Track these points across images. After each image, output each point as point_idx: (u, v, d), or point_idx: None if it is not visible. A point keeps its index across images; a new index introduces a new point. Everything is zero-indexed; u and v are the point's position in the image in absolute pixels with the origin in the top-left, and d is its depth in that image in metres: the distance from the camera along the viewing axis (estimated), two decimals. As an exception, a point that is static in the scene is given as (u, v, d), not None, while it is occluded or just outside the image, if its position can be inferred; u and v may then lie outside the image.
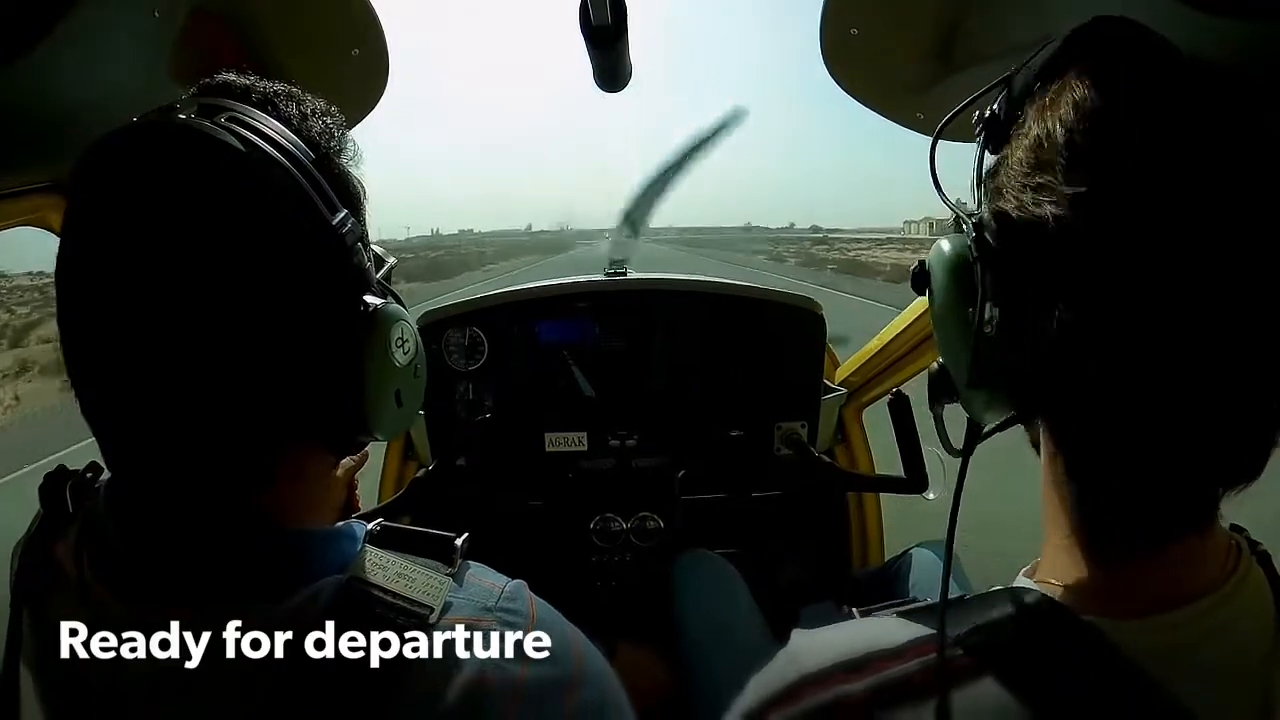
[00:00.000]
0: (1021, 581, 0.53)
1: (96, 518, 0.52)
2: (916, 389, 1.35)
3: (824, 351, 1.59)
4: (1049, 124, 0.46)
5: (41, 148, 0.81)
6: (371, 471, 1.63)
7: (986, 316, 0.47)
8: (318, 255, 0.48)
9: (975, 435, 0.55)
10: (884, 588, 1.31)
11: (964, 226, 0.50)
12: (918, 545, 1.35)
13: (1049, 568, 0.52)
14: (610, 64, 0.79)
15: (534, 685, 0.47)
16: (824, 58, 0.81)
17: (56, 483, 0.56)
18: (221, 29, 0.81)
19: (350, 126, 1.01)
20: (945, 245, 0.52)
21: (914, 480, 1.27)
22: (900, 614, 0.53)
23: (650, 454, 1.61)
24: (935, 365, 0.56)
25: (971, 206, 0.52)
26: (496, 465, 1.60)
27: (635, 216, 1.83)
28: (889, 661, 0.48)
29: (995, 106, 0.52)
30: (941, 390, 0.56)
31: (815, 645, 0.52)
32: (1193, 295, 0.41)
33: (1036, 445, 0.53)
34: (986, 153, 0.52)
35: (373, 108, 1.01)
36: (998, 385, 0.49)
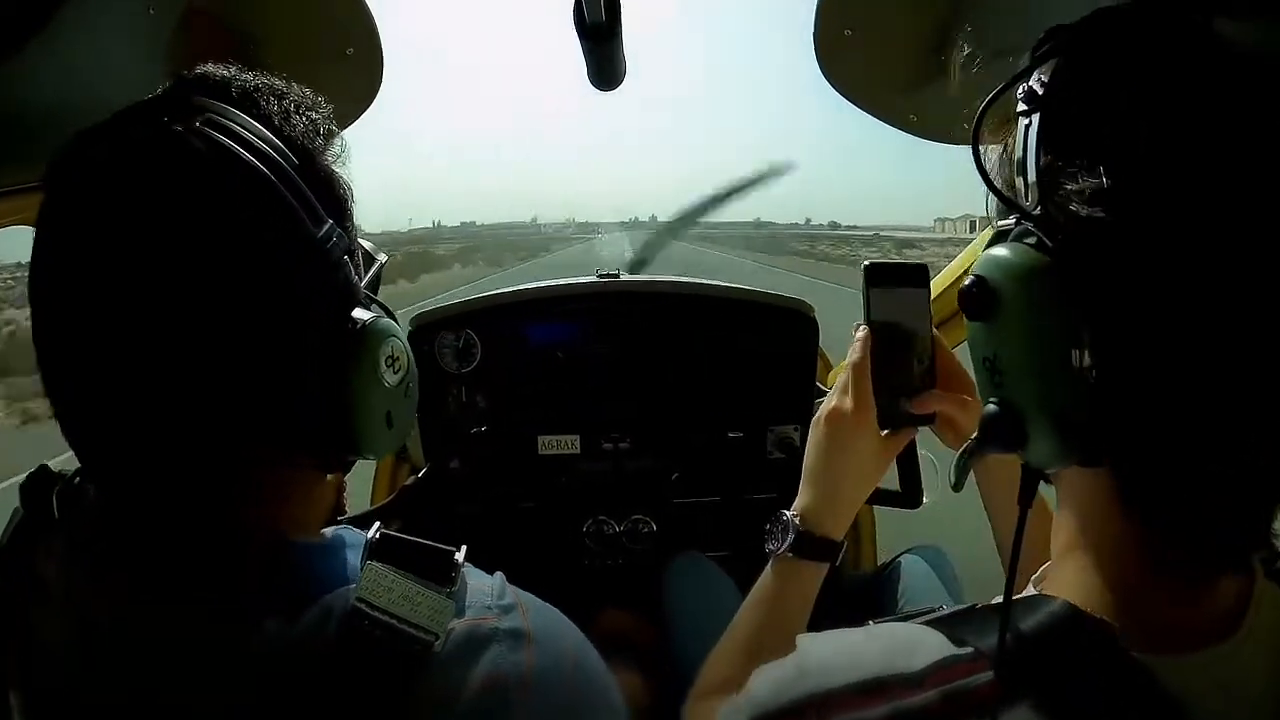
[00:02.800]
0: (1031, 592, 0.50)
1: (86, 531, 0.50)
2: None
3: (816, 354, 1.59)
4: (1142, 115, 0.40)
5: (34, 147, 0.80)
6: (364, 470, 1.62)
7: (1092, 349, 0.40)
8: (300, 271, 0.46)
9: (1035, 484, 0.49)
10: (876, 592, 1.31)
11: (1036, 235, 0.43)
12: (909, 551, 1.34)
13: (1066, 586, 0.47)
14: (605, 62, 0.79)
15: (540, 671, 0.47)
16: (817, 58, 0.81)
17: (41, 485, 0.53)
18: (215, 28, 0.81)
19: (343, 128, 1.01)
20: (1013, 256, 0.43)
21: (909, 495, 1.26)
22: (921, 624, 0.48)
23: (643, 457, 1.60)
24: (992, 406, 0.46)
25: (1027, 206, 0.44)
26: (489, 468, 1.59)
27: (668, 236, 1.88)
28: (906, 690, 0.43)
29: (1048, 82, 0.43)
30: (1002, 437, 0.45)
31: (826, 660, 0.48)
32: None
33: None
34: (1037, 143, 0.43)
35: (366, 108, 1.01)
36: (1092, 430, 0.42)
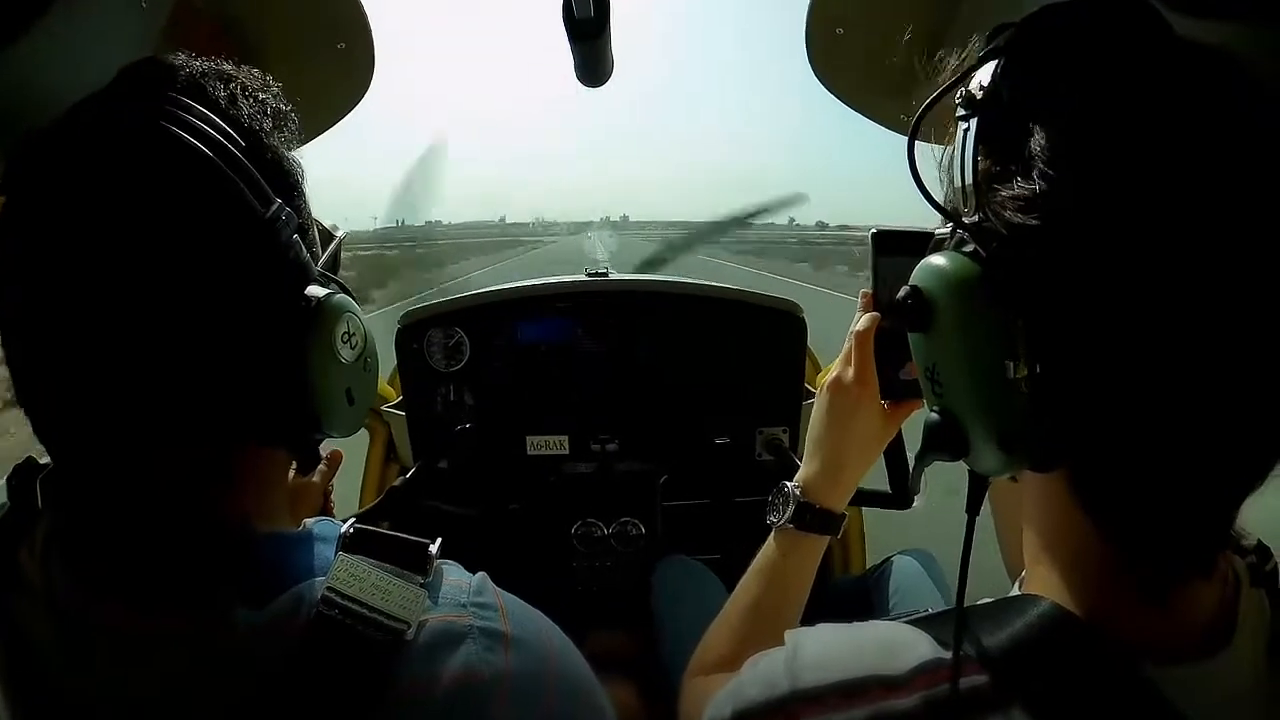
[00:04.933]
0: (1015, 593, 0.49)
1: (64, 523, 0.50)
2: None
3: (805, 356, 1.59)
4: (1073, 116, 0.39)
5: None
6: (354, 473, 1.61)
7: (1026, 359, 0.40)
8: (249, 252, 0.46)
9: (982, 491, 0.49)
10: (866, 595, 1.30)
11: (972, 244, 0.42)
12: (900, 553, 1.34)
13: (1046, 590, 0.47)
14: (592, 58, 0.79)
15: (519, 672, 0.47)
16: (809, 57, 0.81)
17: (27, 476, 0.52)
18: (206, 23, 0.80)
19: (335, 121, 1.01)
20: (947, 265, 0.42)
21: (898, 496, 1.26)
22: (910, 624, 0.48)
23: (632, 458, 1.60)
24: (934, 415, 0.46)
25: (965, 213, 0.43)
26: (478, 468, 1.58)
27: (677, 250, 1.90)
28: (891, 692, 0.43)
29: (987, 85, 0.42)
30: (945, 445, 0.45)
31: (815, 658, 0.48)
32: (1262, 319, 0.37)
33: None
34: (976, 146, 0.43)
35: (358, 101, 1.01)
36: (1035, 440, 0.42)
